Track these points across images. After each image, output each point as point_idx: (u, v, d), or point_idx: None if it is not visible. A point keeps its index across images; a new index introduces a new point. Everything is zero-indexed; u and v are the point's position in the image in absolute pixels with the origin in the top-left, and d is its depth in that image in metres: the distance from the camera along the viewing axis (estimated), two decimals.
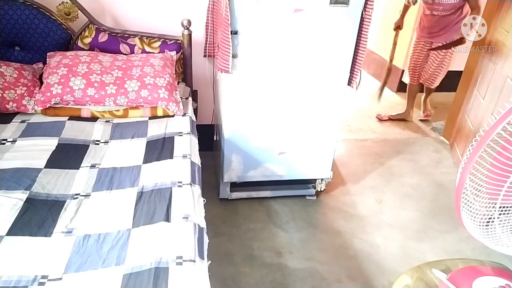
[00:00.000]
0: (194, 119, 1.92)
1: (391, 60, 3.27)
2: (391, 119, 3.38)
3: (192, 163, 1.53)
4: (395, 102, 3.73)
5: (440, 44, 2.96)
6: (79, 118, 1.79)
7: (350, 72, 1.96)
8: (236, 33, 1.76)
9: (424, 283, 1.11)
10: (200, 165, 1.58)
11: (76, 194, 1.34)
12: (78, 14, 2.00)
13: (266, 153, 2.11)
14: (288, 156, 2.14)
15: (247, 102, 1.95)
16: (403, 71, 3.79)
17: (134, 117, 1.85)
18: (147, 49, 2.08)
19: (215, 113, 2.37)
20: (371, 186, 2.49)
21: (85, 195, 1.34)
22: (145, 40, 2.08)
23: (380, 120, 3.38)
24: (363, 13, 1.81)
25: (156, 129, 1.75)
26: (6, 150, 1.50)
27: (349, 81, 1.98)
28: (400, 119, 3.37)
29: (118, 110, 1.83)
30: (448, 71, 3.73)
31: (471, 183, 0.91)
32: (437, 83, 3.19)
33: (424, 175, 2.63)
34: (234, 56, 1.81)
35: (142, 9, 2.15)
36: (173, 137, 1.68)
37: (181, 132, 1.72)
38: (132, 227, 1.19)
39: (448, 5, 2.78)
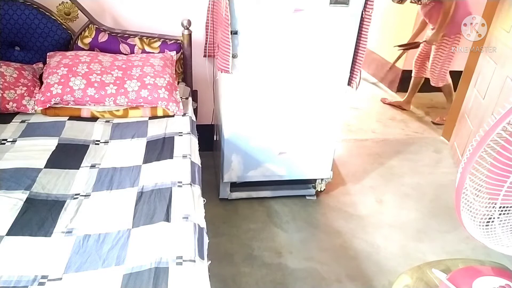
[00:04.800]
0: (194, 119, 1.92)
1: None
2: (391, 104, 3.63)
3: (192, 163, 1.53)
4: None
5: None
6: (79, 118, 1.79)
7: (350, 72, 1.96)
8: (236, 33, 1.76)
9: (424, 283, 1.11)
10: (200, 165, 1.58)
11: (76, 194, 1.34)
12: (78, 14, 2.00)
13: (266, 153, 2.11)
14: (288, 156, 2.14)
15: (247, 102, 1.95)
16: (403, 71, 3.79)
17: (134, 117, 1.85)
18: (147, 49, 2.08)
19: (215, 113, 2.37)
20: (371, 186, 2.49)
21: (85, 195, 1.34)
22: (145, 40, 2.08)
23: (384, 103, 3.67)
24: (363, 13, 1.81)
25: (156, 129, 1.75)
26: (6, 150, 1.50)
27: (349, 81, 1.99)
28: (398, 106, 3.59)
29: (118, 110, 1.83)
30: (448, 71, 3.74)
31: (471, 183, 0.91)
32: (436, 80, 3.25)
33: (424, 175, 2.63)
34: (234, 56, 1.81)
35: (142, 9, 2.15)
36: (173, 137, 1.68)
37: (181, 132, 1.72)
38: (132, 227, 1.19)
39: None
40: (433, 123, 3.38)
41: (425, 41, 3.19)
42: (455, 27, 2.91)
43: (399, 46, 3.46)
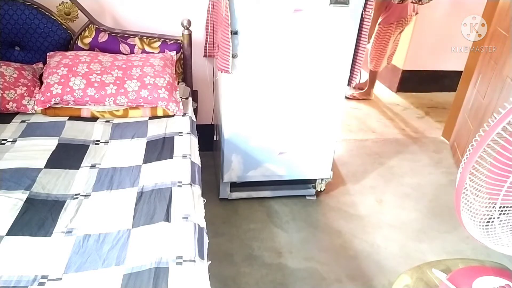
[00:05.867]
0: (194, 119, 1.92)
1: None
2: (356, 97, 3.72)
3: (192, 163, 1.52)
4: (394, 103, 3.73)
5: None
6: (79, 118, 1.79)
7: (350, 72, 1.96)
8: (236, 33, 1.76)
9: (424, 283, 1.11)
10: (200, 165, 1.58)
11: (76, 194, 1.34)
12: (78, 14, 2.00)
13: (266, 153, 2.11)
14: (288, 156, 2.14)
15: (247, 102, 1.95)
16: (403, 71, 3.79)
17: (134, 117, 1.85)
18: (147, 49, 2.08)
19: (215, 113, 2.37)
20: (371, 186, 2.49)
21: (85, 195, 1.34)
22: (145, 40, 2.08)
23: (348, 98, 3.73)
24: (363, 13, 1.81)
25: (156, 129, 1.75)
26: (6, 150, 1.50)
27: (348, 81, 1.99)
28: (363, 98, 3.73)
29: (118, 110, 1.83)
30: (448, 71, 3.76)
31: (471, 183, 0.91)
32: (374, 66, 3.54)
33: (424, 175, 2.63)
34: (234, 56, 1.81)
35: (142, 9, 2.15)
36: (173, 137, 1.68)
37: (181, 132, 1.72)
38: (132, 227, 1.19)
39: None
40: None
41: None
42: (389, 18, 3.24)
43: None
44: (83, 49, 2.02)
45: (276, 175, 2.19)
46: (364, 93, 3.73)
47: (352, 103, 3.65)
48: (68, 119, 1.76)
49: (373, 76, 3.65)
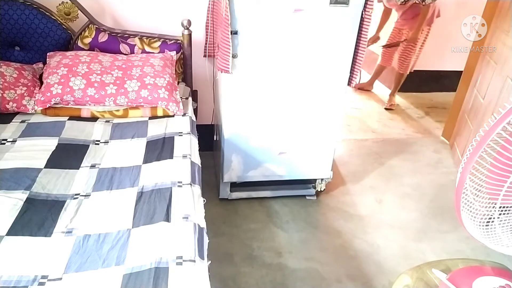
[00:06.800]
0: (194, 119, 1.92)
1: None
2: (356, 87, 3.89)
3: (192, 163, 1.53)
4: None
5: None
6: (79, 118, 1.79)
7: (350, 72, 1.96)
8: (236, 33, 1.76)
9: (424, 283, 1.11)
10: (200, 165, 1.58)
11: (76, 194, 1.34)
12: (78, 14, 2.00)
13: (266, 153, 2.11)
14: (288, 156, 2.14)
15: (247, 102, 1.95)
16: None
17: (134, 117, 1.85)
18: (147, 49, 2.08)
19: (215, 113, 2.37)
20: (371, 186, 2.49)
21: (85, 195, 1.34)
22: (145, 40, 2.08)
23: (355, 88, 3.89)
24: (363, 13, 1.81)
25: (156, 129, 1.75)
26: (6, 150, 1.50)
27: (349, 81, 1.99)
28: (362, 88, 3.94)
29: (118, 110, 1.83)
30: (448, 71, 3.76)
31: (471, 183, 0.91)
32: (405, 68, 3.48)
33: (424, 175, 2.63)
34: (234, 56, 1.81)
35: (142, 9, 2.15)
36: (173, 137, 1.68)
37: (181, 132, 1.72)
38: (132, 227, 1.19)
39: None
40: (385, 108, 3.61)
41: (405, 39, 3.37)
42: (426, 22, 3.25)
43: (383, 46, 3.59)
44: (83, 49, 2.02)
45: (276, 175, 2.19)
46: (365, 83, 3.84)
47: (352, 103, 3.65)
48: (68, 119, 1.76)
49: (398, 80, 3.57)
